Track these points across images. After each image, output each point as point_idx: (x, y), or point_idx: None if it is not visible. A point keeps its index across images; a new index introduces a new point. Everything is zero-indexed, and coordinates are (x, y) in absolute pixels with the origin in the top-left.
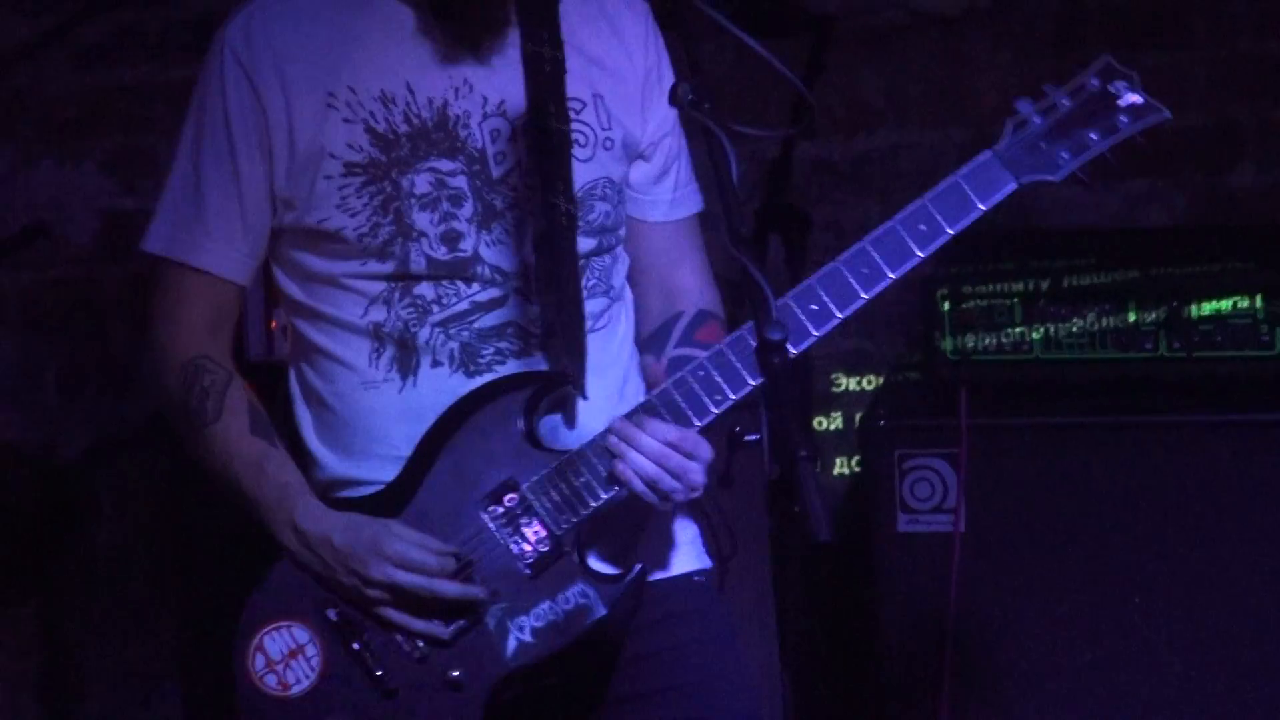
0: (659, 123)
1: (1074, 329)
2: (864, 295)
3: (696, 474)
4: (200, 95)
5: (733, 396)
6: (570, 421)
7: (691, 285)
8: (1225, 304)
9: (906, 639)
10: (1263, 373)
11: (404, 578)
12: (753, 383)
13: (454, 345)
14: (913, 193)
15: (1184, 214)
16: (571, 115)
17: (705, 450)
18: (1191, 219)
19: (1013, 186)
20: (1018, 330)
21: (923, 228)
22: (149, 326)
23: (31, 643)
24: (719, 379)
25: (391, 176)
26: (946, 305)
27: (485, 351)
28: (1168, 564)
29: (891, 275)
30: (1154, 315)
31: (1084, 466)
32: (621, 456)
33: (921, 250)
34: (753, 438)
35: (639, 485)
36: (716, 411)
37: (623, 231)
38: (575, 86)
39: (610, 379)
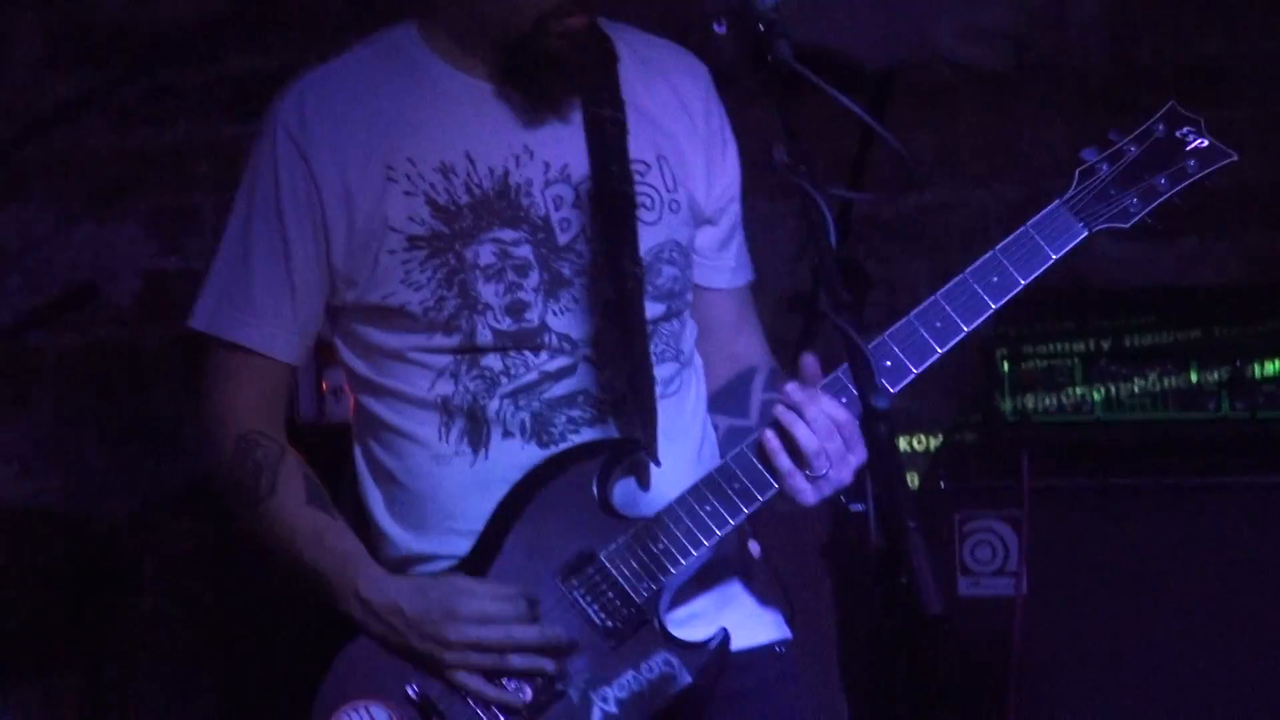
0: (725, 187)
1: (1135, 389)
2: (939, 349)
3: (848, 470)
4: (252, 170)
5: (916, 369)
6: (645, 487)
7: (754, 350)
8: None
9: (969, 704)
10: None
11: (483, 633)
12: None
13: (525, 415)
14: (963, 249)
15: (1237, 272)
16: (636, 177)
17: (861, 450)
18: (1244, 277)
19: (1084, 234)
20: (1078, 391)
21: (994, 279)
22: (199, 403)
23: (72, 711)
24: (907, 351)
25: (455, 249)
26: (1006, 366)
27: (557, 420)
28: (1232, 628)
29: (965, 328)
30: (1216, 375)
31: (1147, 529)
32: (787, 425)
33: (994, 301)
34: (858, 508)
35: (784, 461)
36: (895, 390)
37: (690, 296)
38: (639, 148)
39: (684, 444)
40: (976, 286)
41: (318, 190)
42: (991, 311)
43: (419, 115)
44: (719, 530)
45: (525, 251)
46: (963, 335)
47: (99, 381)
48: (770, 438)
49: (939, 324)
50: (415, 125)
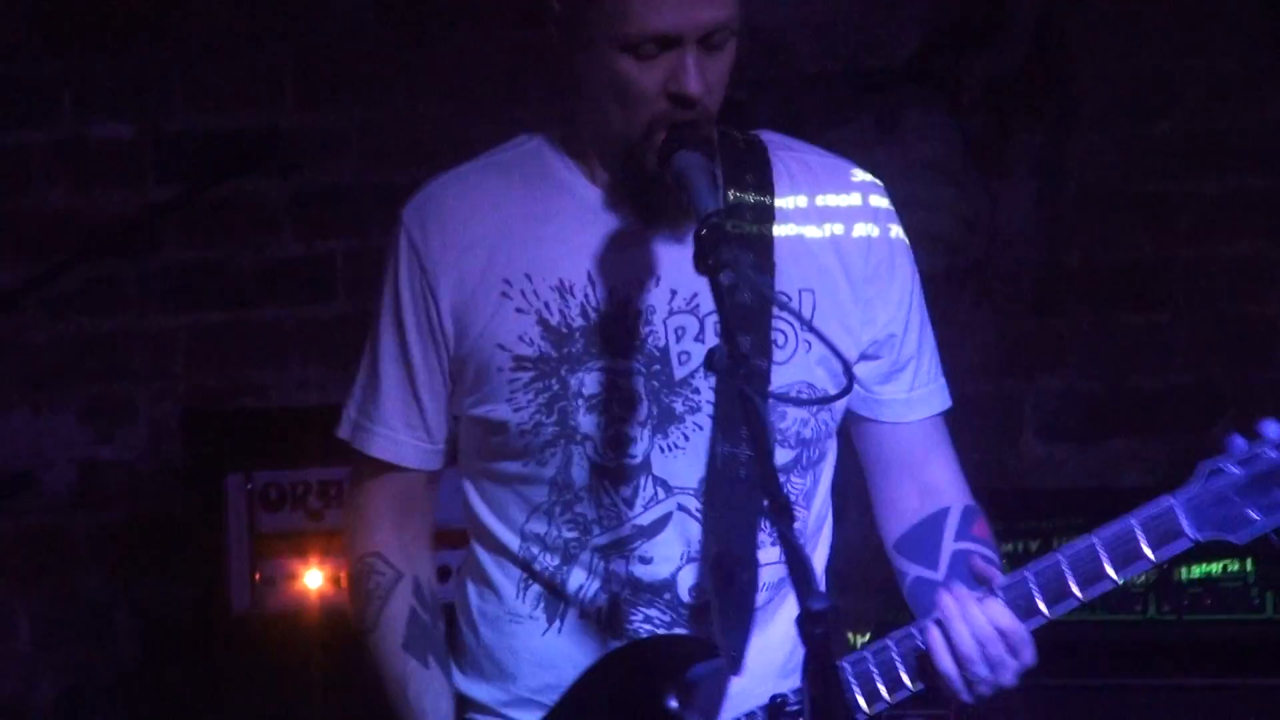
0: (888, 321)
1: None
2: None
3: (1010, 673)
4: (382, 276)
5: (1085, 596)
6: (719, 693)
7: (946, 480)
8: (1215, 567)
9: None
10: (1253, 636)
11: None
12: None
13: (603, 602)
14: None
15: (1166, 473)
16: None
17: (1029, 654)
18: (1175, 479)
19: (1188, 545)
20: None
21: (1088, 570)
22: (343, 514)
23: None
24: (1082, 572)
25: (560, 374)
26: None
27: (634, 618)
28: None
29: (1049, 614)
30: (1144, 577)
31: None
32: (945, 623)
33: (1084, 593)
34: (794, 707)
35: (945, 663)
36: (1077, 602)
37: (830, 445)
38: (782, 278)
39: (775, 645)
40: (1068, 572)
41: (435, 299)
42: (1078, 604)
43: (544, 228)
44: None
45: (637, 384)
46: (1044, 621)
47: (32, 568)
48: (932, 635)
49: (1021, 601)
50: (538, 239)
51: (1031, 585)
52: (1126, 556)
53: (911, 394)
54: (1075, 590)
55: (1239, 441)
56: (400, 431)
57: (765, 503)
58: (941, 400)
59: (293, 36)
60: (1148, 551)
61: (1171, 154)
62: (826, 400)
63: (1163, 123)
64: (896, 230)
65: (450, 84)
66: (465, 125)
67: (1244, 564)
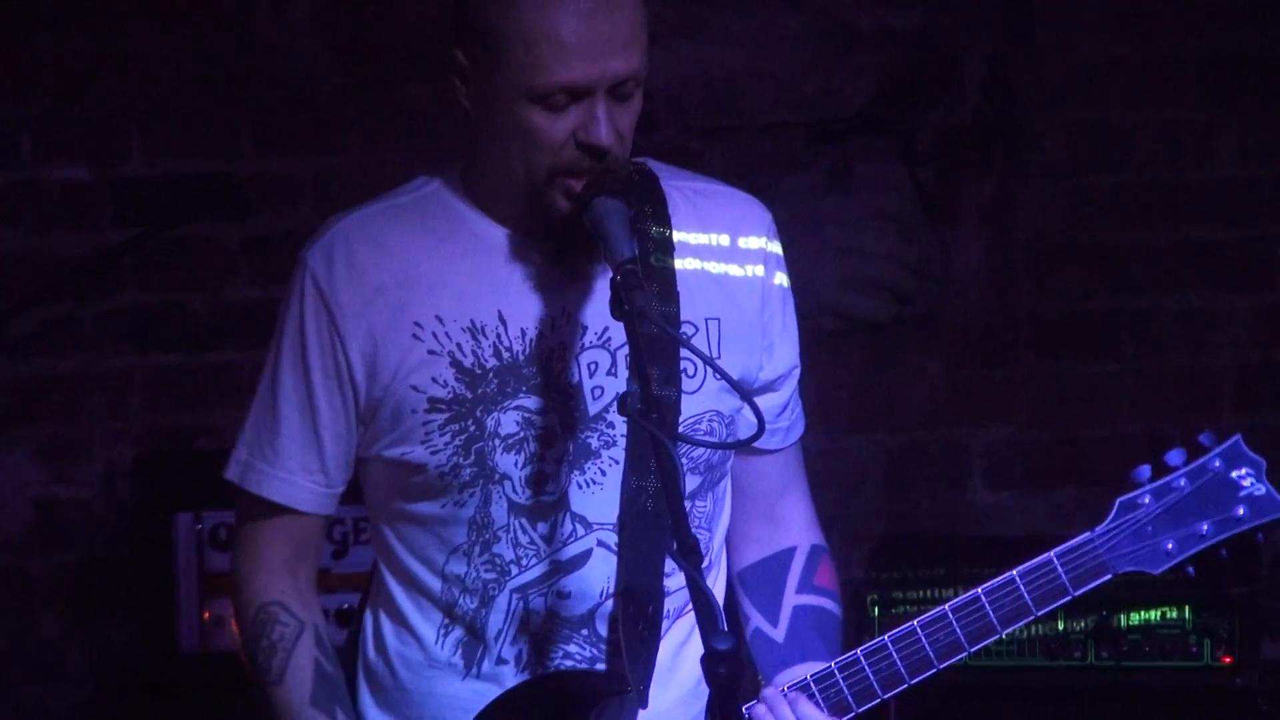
0: (787, 352)
1: (1003, 637)
2: (936, 664)
3: None
4: (281, 319)
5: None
6: None
7: (798, 515)
8: (1154, 614)
9: None
10: (1191, 683)
11: None
12: (932, 670)
13: (523, 646)
14: (836, 495)
15: None
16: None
17: None
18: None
19: (1108, 578)
20: None
21: (1008, 604)
22: (233, 557)
23: None
24: (895, 668)
25: (476, 415)
26: (876, 610)
27: (554, 655)
28: None
29: (969, 649)
30: (1083, 624)
31: None
32: None
33: (1002, 628)
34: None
35: None
36: (881, 699)
37: (729, 466)
38: (687, 308)
39: (682, 678)
40: (988, 607)
41: (342, 343)
42: (998, 636)
43: (452, 269)
44: None
45: (551, 421)
46: (965, 655)
47: None
48: None
49: (941, 637)
50: (448, 279)
51: (921, 638)
52: (1048, 588)
53: (778, 422)
54: (996, 625)
55: (1145, 472)
56: (297, 474)
57: (673, 544)
58: (800, 428)
59: (250, 83)
60: (1067, 584)
61: (1120, 205)
62: (737, 445)
63: (1111, 174)
64: (781, 275)
65: (406, 131)
66: (420, 171)
67: (1182, 611)
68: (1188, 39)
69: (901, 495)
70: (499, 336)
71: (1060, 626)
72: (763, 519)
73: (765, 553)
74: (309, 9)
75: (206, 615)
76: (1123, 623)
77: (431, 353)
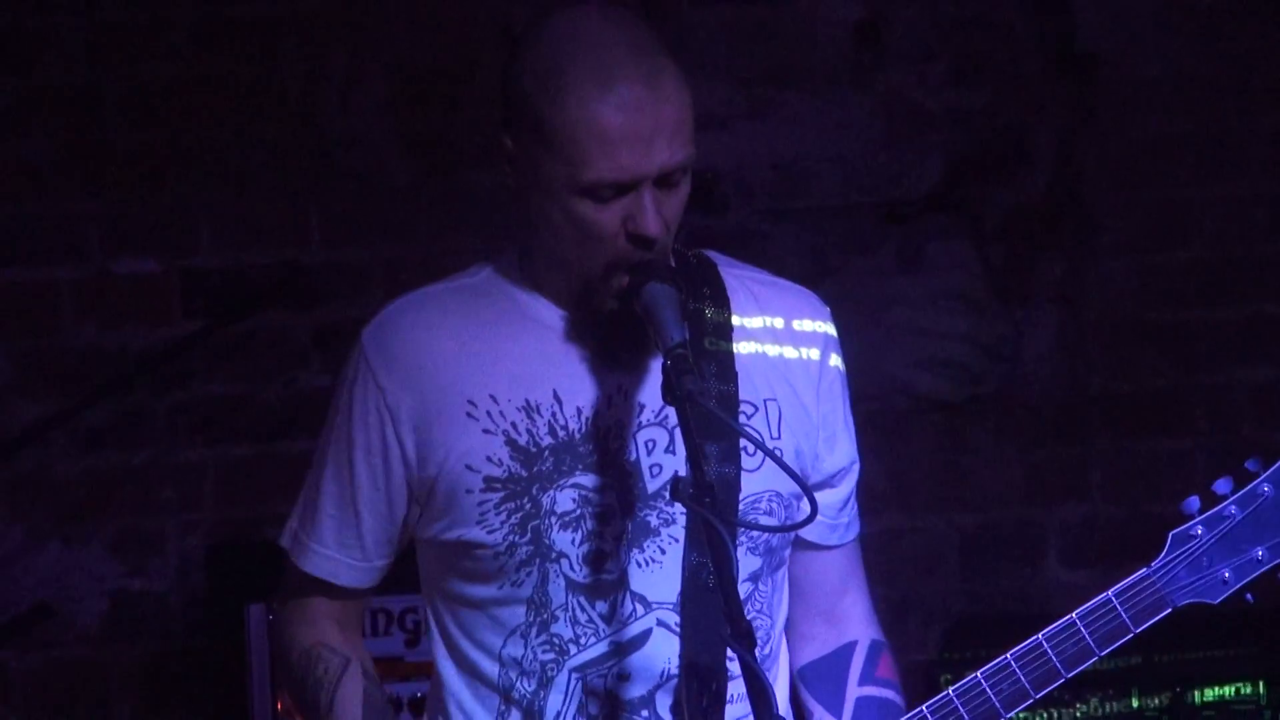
0: (846, 450)
1: (1078, 714)
2: (1003, 714)
3: None
4: (335, 397)
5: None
6: None
7: (858, 613)
8: (1228, 690)
9: None
10: None
11: None
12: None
13: None
14: (910, 576)
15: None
16: (741, 418)
17: None
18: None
19: (1168, 612)
20: (1021, 716)
21: (1071, 648)
22: (279, 606)
23: None
24: (971, 711)
25: (531, 493)
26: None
27: None
28: None
29: (1034, 694)
30: (1157, 701)
31: None
32: None
33: (1067, 671)
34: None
35: None
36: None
37: (788, 553)
38: (746, 388)
39: None
40: (1051, 652)
41: (394, 420)
42: (1063, 679)
43: (507, 349)
44: None
45: (609, 499)
46: (1030, 702)
47: (63, 702)
48: None
49: (1006, 686)
50: (502, 359)
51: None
52: (1109, 627)
53: (839, 518)
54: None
55: (1194, 504)
56: (332, 548)
57: (728, 629)
58: (858, 526)
59: (317, 173)
60: (1127, 620)
61: (1191, 280)
62: (791, 528)
63: (1181, 249)
64: (837, 358)
65: (472, 218)
66: (479, 258)
67: (1257, 686)
68: (1254, 112)
69: (976, 575)
70: (554, 415)
71: (1134, 704)
72: (823, 618)
73: (826, 650)
74: (376, 100)
75: (280, 705)
76: (1197, 699)
77: (486, 431)
